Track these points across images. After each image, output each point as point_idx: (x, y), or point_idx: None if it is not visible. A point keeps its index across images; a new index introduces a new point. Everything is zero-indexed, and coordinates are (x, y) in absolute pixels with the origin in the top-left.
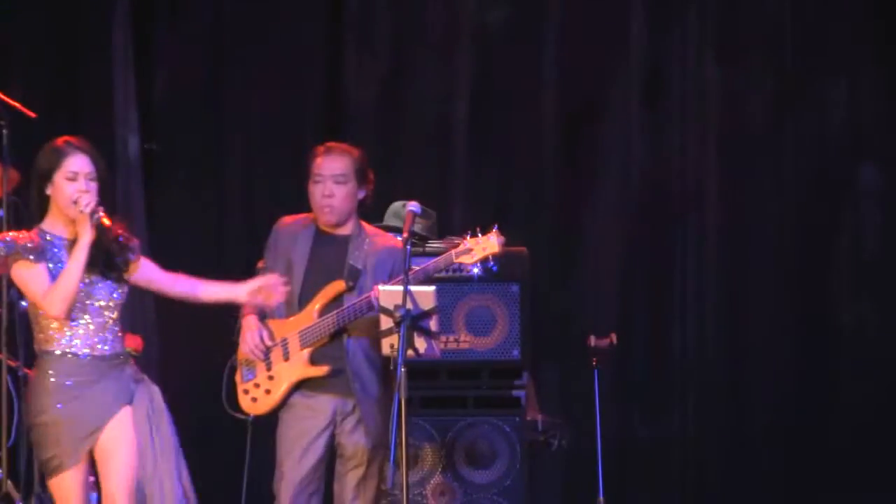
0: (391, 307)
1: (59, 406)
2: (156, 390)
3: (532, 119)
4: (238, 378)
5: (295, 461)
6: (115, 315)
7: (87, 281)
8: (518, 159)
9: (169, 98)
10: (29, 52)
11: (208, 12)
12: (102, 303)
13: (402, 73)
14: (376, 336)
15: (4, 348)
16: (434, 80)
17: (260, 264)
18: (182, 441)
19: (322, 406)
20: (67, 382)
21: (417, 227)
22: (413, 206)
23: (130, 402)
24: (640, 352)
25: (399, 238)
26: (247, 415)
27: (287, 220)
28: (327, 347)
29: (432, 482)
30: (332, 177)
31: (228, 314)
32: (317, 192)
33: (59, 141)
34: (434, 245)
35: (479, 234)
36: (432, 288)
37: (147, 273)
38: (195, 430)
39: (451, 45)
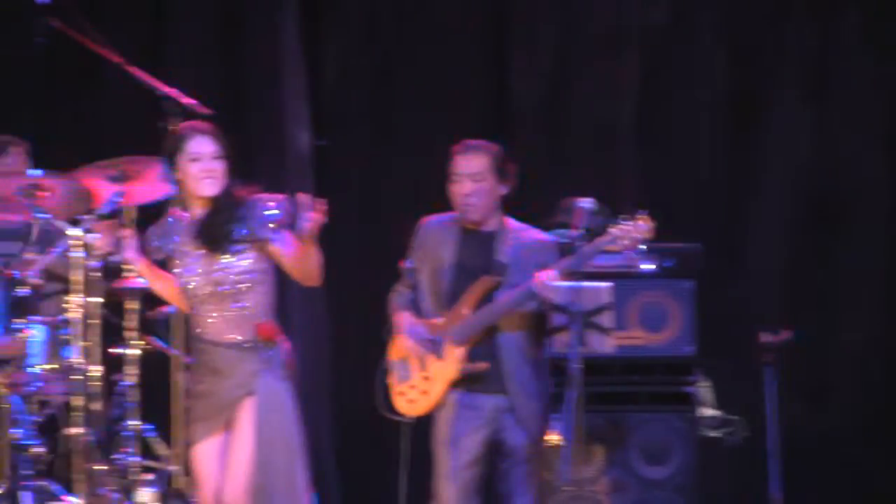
0: (565, 303)
1: (194, 386)
2: (281, 383)
3: (697, 116)
4: (392, 380)
5: (454, 460)
6: (247, 304)
7: (205, 267)
8: (683, 157)
9: (339, 94)
10: (198, 50)
11: (376, 9)
12: (222, 286)
13: (567, 73)
14: (530, 331)
15: (182, 346)
16: (599, 79)
17: (403, 265)
18: (341, 442)
19: (479, 404)
20: (204, 364)
21: (591, 223)
22: (585, 202)
23: (254, 393)
24: (809, 348)
25: (546, 233)
26: (404, 416)
27: (431, 219)
28: (481, 345)
29: (606, 478)
30: (470, 175)
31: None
32: (456, 191)
33: (182, 126)
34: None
35: (627, 222)
36: (607, 284)
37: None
38: (353, 430)
39: (616, 45)
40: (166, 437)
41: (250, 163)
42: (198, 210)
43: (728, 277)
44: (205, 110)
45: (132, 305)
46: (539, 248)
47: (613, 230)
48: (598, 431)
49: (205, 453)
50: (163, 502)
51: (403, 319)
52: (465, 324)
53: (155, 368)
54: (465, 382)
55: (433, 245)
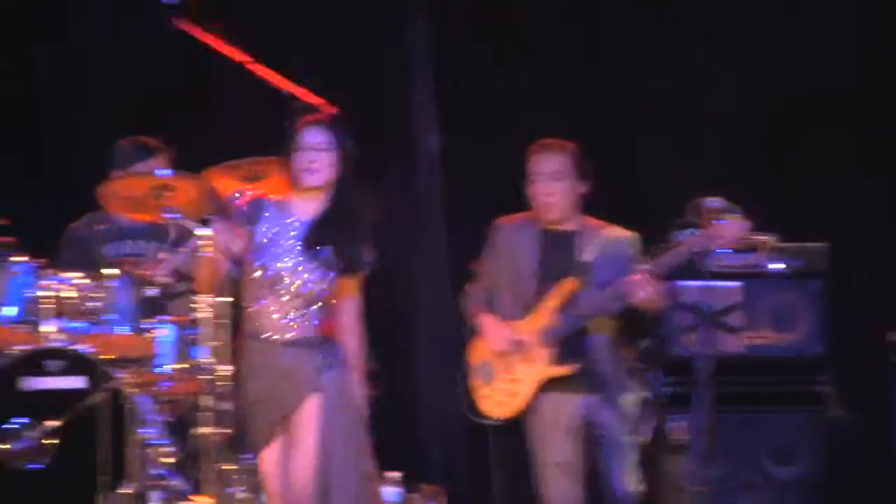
0: (695, 303)
1: (252, 387)
2: (346, 379)
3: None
4: (475, 382)
5: (551, 461)
6: (312, 301)
7: (291, 261)
8: (818, 157)
9: (466, 95)
10: (326, 49)
11: (501, 7)
12: (299, 288)
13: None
14: (619, 331)
15: None
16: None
17: (478, 266)
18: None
19: (569, 405)
20: (260, 364)
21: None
22: (713, 201)
23: (318, 391)
24: None
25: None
26: (490, 418)
27: (506, 220)
28: (569, 345)
29: (737, 478)
30: (550, 174)
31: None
32: (536, 190)
33: (302, 119)
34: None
35: (722, 220)
36: (737, 283)
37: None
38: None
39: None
40: None
41: (379, 163)
42: (301, 201)
43: (856, 276)
44: (332, 110)
45: None
46: (622, 246)
47: (707, 230)
48: (727, 431)
49: (270, 457)
50: None
51: (486, 321)
52: (551, 326)
53: None
54: (555, 383)
55: (511, 246)
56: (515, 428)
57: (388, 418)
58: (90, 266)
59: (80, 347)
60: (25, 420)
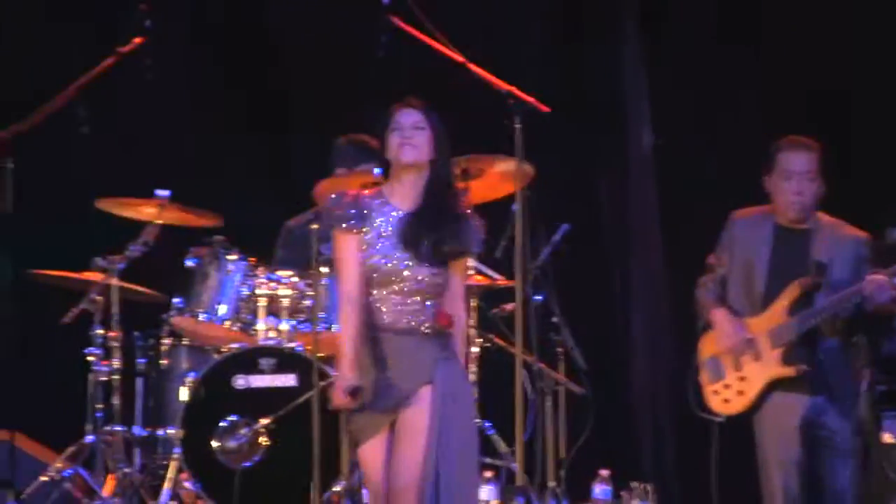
0: None
1: (364, 377)
2: (460, 371)
3: None
4: (704, 378)
5: (779, 462)
6: (427, 292)
7: (399, 254)
8: None
9: (678, 91)
10: (539, 49)
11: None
12: (413, 280)
13: None
14: (851, 334)
15: (520, 344)
16: None
17: (711, 259)
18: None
19: (797, 405)
20: (372, 354)
21: None
22: None
23: (432, 381)
24: None
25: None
26: (717, 415)
27: (742, 214)
28: (799, 347)
29: None
30: (803, 173)
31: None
32: (787, 188)
33: (397, 104)
34: None
35: None
36: None
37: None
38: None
39: None
40: (504, 433)
41: (592, 162)
42: (400, 193)
43: None
44: (545, 109)
45: (473, 303)
46: (855, 246)
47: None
48: None
49: (376, 448)
50: (505, 498)
51: (719, 316)
52: (783, 325)
53: (493, 365)
54: (783, 383)
55: (746, 241)
56: (741, 426)
57: (599, 416)
58: (305, 264)
59: (293, 345)
60: (240, 418)
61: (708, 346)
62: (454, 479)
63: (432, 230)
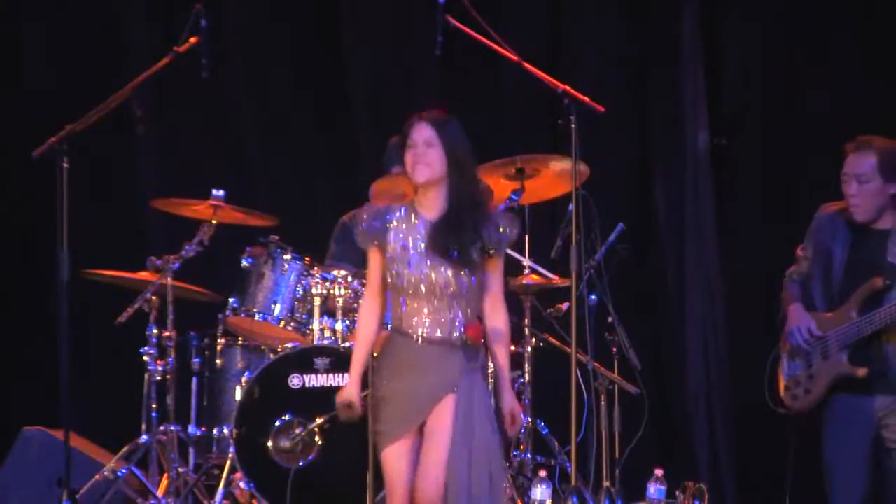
0: None
1: (391, 383)
2: (483, 384)
3: None
4: (780, 371)
5: (844, 462)
6: (461, 299)
7: (428, 264)
8: None
9: (738, 92)
10: (596, 49)
11: (777, 6)
12: (446, 288)
13: None
14: None
15: (574, 343)
16: None
17: (799, 251)
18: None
19: (863, 406)
20: (401, 361)
21: None
22: None
23: (456, 391)
24: None
25: None
26: (786, 409)
27: (828, 208)
28: (866, 347)
29: None
30: (856, 175)
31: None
32: (846, 190)
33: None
34: None
35: None
36: None
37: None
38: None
39: None
40: (558, 433)
41: (649, 161)
42: (425, 202)
43: None
44: (600, 108)
45: (527, 302)
46: None
47: None
48: None
49: (398, 453)
50: (558, 498)
51: (795, 312)
52: (850, 325)
53: (546, 365)
54: (849, 384)
55: (826, 237)
56: (809, 423)
57: (653, 415)
58: (359, 259)
59: (348, 345)
60: (294, 417)
61: (786, 341)
62: (475, 491)
63: (457, 235)
